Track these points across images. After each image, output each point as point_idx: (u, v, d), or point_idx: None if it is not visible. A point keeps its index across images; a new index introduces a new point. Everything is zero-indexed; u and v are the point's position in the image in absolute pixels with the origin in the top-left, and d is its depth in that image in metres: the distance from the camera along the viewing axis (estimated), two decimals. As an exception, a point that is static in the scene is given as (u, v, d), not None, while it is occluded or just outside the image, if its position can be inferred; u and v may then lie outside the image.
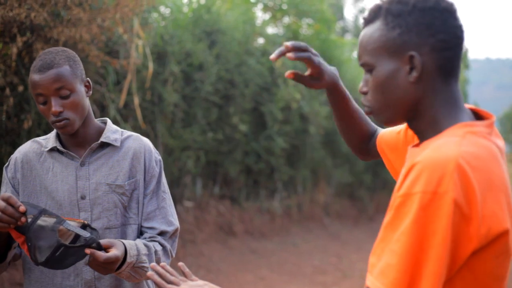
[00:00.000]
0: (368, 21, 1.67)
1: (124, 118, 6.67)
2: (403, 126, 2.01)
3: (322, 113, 10.95)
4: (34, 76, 2.31)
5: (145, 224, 2.48)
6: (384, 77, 1.63)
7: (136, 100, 6.46)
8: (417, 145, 1.69)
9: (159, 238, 2.46)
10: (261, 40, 10.00)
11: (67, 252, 2.17)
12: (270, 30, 10.75)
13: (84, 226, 2.23)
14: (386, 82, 1.63)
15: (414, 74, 1.60)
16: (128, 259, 2.28)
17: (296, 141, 10.61)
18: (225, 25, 8.57)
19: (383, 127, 2.04)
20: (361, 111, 2.16)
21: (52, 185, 2.42)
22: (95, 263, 2.20)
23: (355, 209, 14.58)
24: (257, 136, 9.70)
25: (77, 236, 2.19)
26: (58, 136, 2.48)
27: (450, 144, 1.53)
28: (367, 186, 14.94)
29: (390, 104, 1.65)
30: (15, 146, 5.15)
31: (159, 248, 2.43)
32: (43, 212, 2.19)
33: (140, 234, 2.49)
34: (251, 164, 9.68)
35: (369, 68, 1.67)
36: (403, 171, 1.53)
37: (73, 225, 2.21)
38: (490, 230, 1.48)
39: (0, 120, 5.12)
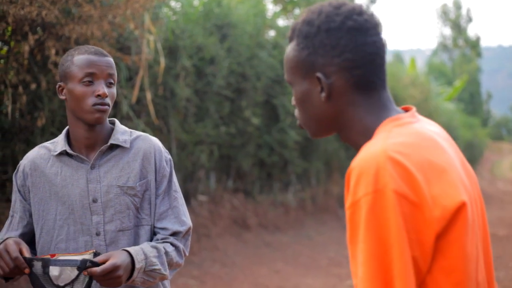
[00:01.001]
0: (289, 39, 1.69)
1: (137, 114, 6.68)
2: None
3: (334, 105, 10.93)
4: (90, 56, 2.36)
5: (158, 225, 2.47)
6: (300, 95, 1.65)
7: (149, 96, 6.47)
8: None
9: (171, 239, 2.44)
10: (272, 33, 9.97)
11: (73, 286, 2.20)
12: (281, 22, 10.73)
13: (95, 255, 2.23)
14: (302, 100, 1.65)
15: (323, 94, 1.60)
16: (137, 265, 2.27)
17: (309, 133, 10.61)
18: (236, 18, 8.55)
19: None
20: None
21: (63, 190, 2.42)
22: (98, 279, 2.20)
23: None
24: (270, 129, 9.69)
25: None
26: (67, 139, 2.46)
27: (377, 141, 1.52)
28: (381, 177, 14.92)
29: (311, 119, 1.66)
30: (29, 143, 5.17)
31: (170, 249, 2.42)
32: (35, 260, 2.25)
33: (153, 234, 2.48)
34: (264, 157, 9.67)
35: (290, 85, 1.69)
36: (346, 181, 1.52)
37: (61, 260, 2.23)
38: (445, 209, 1.45)
39: (13, 118, 5.13)
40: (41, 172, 2.45)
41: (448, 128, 19.94)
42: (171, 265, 2.43)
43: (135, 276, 2.28)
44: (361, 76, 1.60)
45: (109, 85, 2.37)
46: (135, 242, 2.43)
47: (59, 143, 2.46)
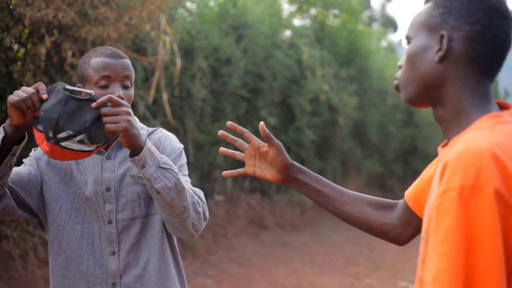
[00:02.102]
0: (425, 2, 1.70)
1: (153, 115, 6.70)
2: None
3: (350, 104, 10.90)
4: (106, 59, 2.38)
5: None
6: (415, 50, 1.65)
7: (165, 97, 6.49)
8: (445, 145, 1.66)
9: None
10: (288, 33, 9.97)
11: (78, 107, 2.11)
12: (297, 22, 10.73)
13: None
14: (416, 55, 1.64)
15: (440, 53, 1.59)
16: (148, 144, 2.23)
17: (325, 132, 10.58)
18: (251, 19, 8.56)
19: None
20: (360, 195, 2.09)
21: (82, 176, 2.47)
22: (105, 114, 2.13)
23: (386, 199, 14.52)
24: (286, 128, 9.69)
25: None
26: None
27: (481, 136, 1.50)
28: (398, 176, 14.86)
29: (414, 79, 1.65)
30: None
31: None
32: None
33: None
34: (280, 157, 9.67)
35: (408, 41, 1.69)
36: (437, 172, 1.50)
37: (75, 87, 2.19)
38: None
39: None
40: None
41: (466, 126, 19.88)
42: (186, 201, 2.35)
43: (145, 157, 2.22)
44: (482, 54, 1.59)
45: (125, 87, 2.40)
46: (146, 231, 2.48)
47: None
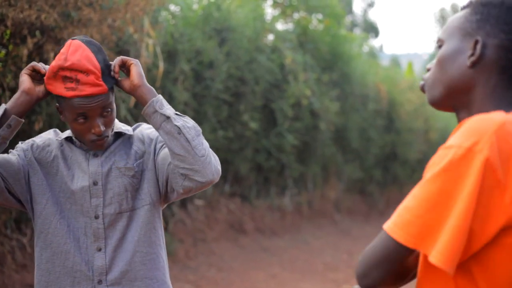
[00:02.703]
0: (462, 8, 1.72)
1: (135, 118, 6.64)
2: None
3: (332, 109, 10.89)
4: (80, 100, 2.37)
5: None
6: (448, 52, 1.67)
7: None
8: None
9: None
10: (271, 37, 9.94)
11: None
12: (280, 26, 10.70)
13: None
14: (447, 58, 1.66)
15: (472, 58, 1.61)
16: (158, 96, 2.35)
17: (307, 137, 10.55)
18: (235, 22, 8.52)
19: None
20: None
21: (68, 172, 2.47)
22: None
23: (366, 204, 14.52)
24: (268, 133, 9.65)
25: None
26: None
27: (500, 113, 1.52)
28: (377, 182, 14.87)
29: (443, 81, 1.67)
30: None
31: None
32: None
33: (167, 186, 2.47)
34: (261, 161, 9.63)
35: (440, 43, 1.71)
36: (453, 130, 1.56)
37: None
38: None
39: (10, 122, 5.09)
40: (52, 150, 2.49)
41: (445, 133, 19.91)
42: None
43: (162, 100, 2.34)
44: None
45: (105, 114, 2.37)
46: (133, 225, 2.48)
47: (66, 132, 2.54)
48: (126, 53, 6.31)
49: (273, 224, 10.21)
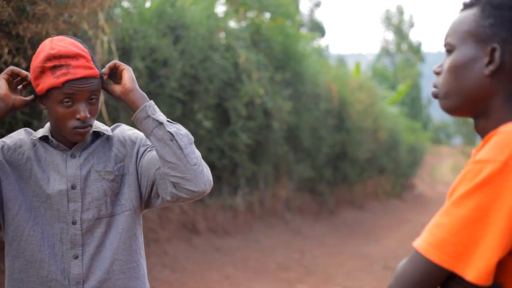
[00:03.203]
0: (466, 6, 1.64)
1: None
2: None
3: (285, 108, 10.88)
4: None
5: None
6: (461, 61, 1.60)
7: (101, 97, 6.30)
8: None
9: None
10: (224, 35, 9.87)
11: None
12: (234, 24, 10.63)
13: None
14: (461, 67, 1.60)
15: (491, 67, 1.56)
16: (151, 102, 2.32)
17: (259, 136, 10.52)
18: (189, 20, 8.42)
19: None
20: None
21: (43, 174, 2.34)
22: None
23: (316, 204, 14.59)
24: (221, 132, 9.58)
25: None
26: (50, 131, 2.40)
27: None
28: (328, 181, 14.95)
29: (458, 91, 1.62)
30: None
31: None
32: None
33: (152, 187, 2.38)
34: (214, 160, 9.55)
35: (450, 48, 1.64)
36: (481, 144, 1.51)
37: None
38: None
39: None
40: (25, 151, 2.36)
41: (393, 132, 20.14)
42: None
43: (154, 106, 2.30)
44: None
45: (92, 101, 2.27)
46: (112, 232, 2.37)
47: (40, 131, 2.39)
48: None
49: (225, 224, 10.16)
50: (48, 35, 4.87)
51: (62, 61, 2.21)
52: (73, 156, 2.36)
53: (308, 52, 12.93)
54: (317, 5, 48.75)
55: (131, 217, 2.39)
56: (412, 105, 46.06)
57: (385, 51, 56.92)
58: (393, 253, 12.00)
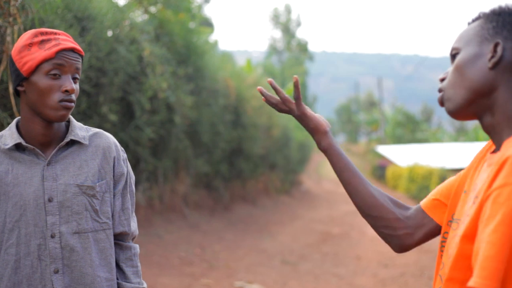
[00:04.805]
0: (473, 20, 1.80)
1: (0, 107, 6.30)
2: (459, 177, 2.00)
3: (187, 103, 10.86)
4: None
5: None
6: (466, 58, 1.74)
7: (11, 88, 6.11)
8: (494, 151, 1.74)
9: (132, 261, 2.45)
10: (129, 28, 9.74)
11: None
12: (138, 18, 10.51)
13: None
14: (467, 63, 1.73)
15: (494, 59, 1.69)
16: None
17: (162, 131, 10.45)
18: (96, 11, 8.27)
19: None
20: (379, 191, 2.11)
21: (14, 189, 2.20)
22: None
23: (212, 199, 14.65)
24: (126, 126, 9.47)
25: None
26: (19, 133, 2.25)
27: None
28: (223, 176, 15.03)
29: (464, 85, 1.73)
30: None
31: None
32: None
33: None
34: (118, 154, 9.42)
35: (456, 52, 1.78)
36: (494, 168, 1.56)
37: None
38: None
39: None
40: None
41: (285, 129, 20.47)
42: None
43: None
44: None
45: (75, 80, 2.22)
46: (93, 248, 2.28)
47: (7, 137, 2.24)
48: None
49: (127, 219, 10.04)
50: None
51: (50, 36, 2.19)
52: (49, 163, 2.25)
53: (208, 47, 12.95)
54: (207, 1, 48.77)
55: (111, 235, 2.35)
56: (299, 103, 46.99)
57: (273, 49, 57.64)
58: (289, 247, 12.24)
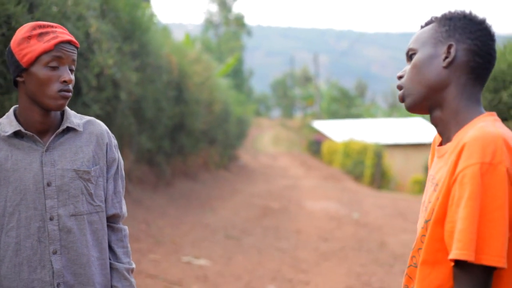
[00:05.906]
0: (426, 24, 2.02)
1: None
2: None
3: (132, 79, 10.86)
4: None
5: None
6: (423, 58, 1.96)
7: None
8: (441, 144, 1.98)
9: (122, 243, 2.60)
10: (76, 4, 9.66)
11: None
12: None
13: None
14: (424, 62, 1.95)
15: (448, 59, 1.91)
16: None
17: (108, 107, 10.44)
18: (43, -13, 8.20)
19: None
20: None
21: (14, 174, 2.31)
22: None
23: (154, 175, 14.69)
24: (73, 103, 9.43)
25: None
26: (17, 120, 2.36)
27: (490, 126, 1.81)
28: (165, 152, 15.07)
29: (421, 82, 1.95)
30: None
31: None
32: None
33: None
34: (64, 131, 9.39)
35: (412, 52, 1.99)
36: (453, 156, 1.80)
37: None
38: None
39: None
40: None
41: (225, 104, 20.56)
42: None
43: None
44: (479, 65, 1.90)
45: (71, 71, 2.34)
46: (88, 229, 2.42)
47: (6, 124, 2.35)
48: None
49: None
50: None
51: (48, 29, 2.30)
52: (47, 149, 2.36)
53: (151, 23, 12.92)
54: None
55: (104, 217, 2.49)
56: (235, 77, 46.99)
57: (209, 23, 57.35)
58: (231, 222, 12.41)
